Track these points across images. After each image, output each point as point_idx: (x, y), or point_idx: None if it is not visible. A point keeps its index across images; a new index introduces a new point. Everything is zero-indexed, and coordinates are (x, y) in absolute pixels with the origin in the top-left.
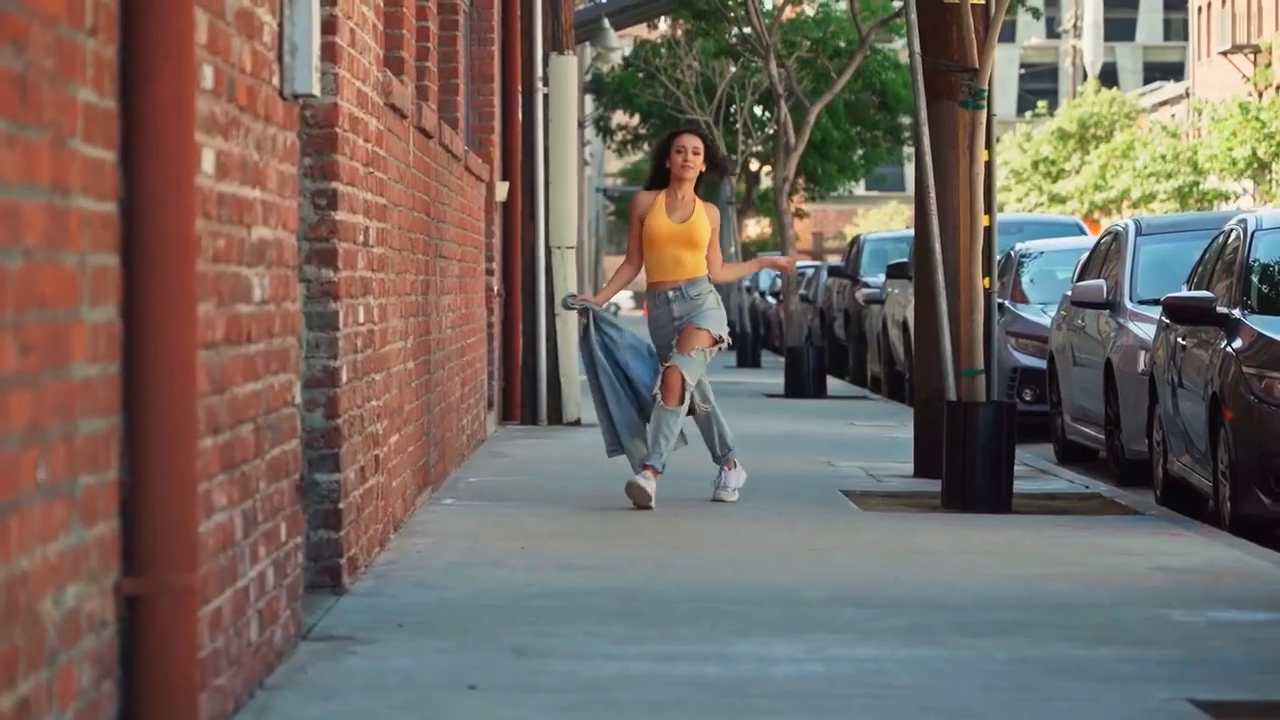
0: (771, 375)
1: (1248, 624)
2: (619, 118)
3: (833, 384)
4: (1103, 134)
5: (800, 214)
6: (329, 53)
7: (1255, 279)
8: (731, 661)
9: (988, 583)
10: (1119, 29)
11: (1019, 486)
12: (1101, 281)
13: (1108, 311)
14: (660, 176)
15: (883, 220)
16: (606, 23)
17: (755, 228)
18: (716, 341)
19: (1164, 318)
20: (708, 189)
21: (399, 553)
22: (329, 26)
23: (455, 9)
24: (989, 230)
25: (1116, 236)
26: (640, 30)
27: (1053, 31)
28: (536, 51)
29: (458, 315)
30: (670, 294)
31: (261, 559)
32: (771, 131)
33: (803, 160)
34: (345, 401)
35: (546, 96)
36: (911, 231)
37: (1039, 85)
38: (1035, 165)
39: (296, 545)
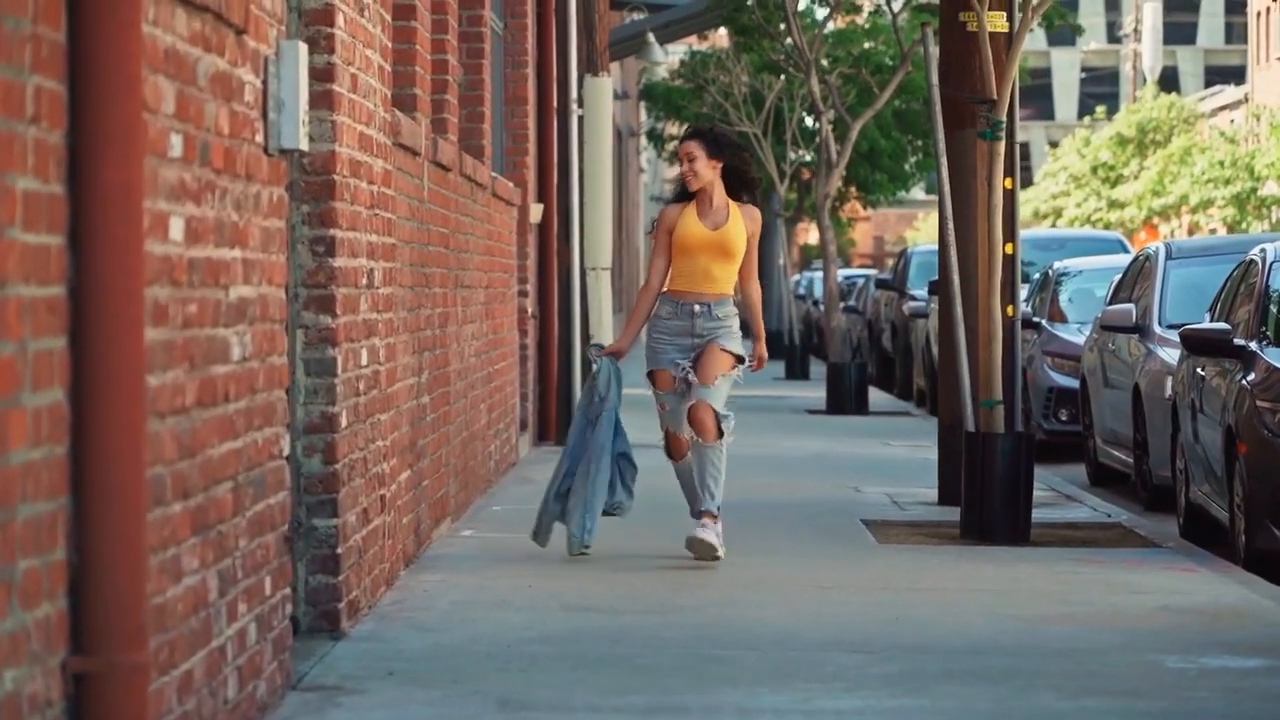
0: (818, 389)
1: (1238, 671)
2: (671, 128)
3: (877, 398)
4: (1161, 139)
5: (850, 222)
6: (326, 100)
7: (1274, 309)
8: (715, 713)
9: (988, 623)
10: (1180, 33)
11: (1041, 515)
12: (1130, 306)
13: (1136, 335)
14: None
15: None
16: (652, 37)
17: (813, 233)
18: (738, 363)
19: (1182, 349)
20: (759, 199)
21: (406, 591)
22: (326, 74)
23: (481, 37)
24: (1012, 258)
25: (1147, 259)
26: (693, 40)
27: (1113, 36)
28: (571, 73)
29: (484, 342)
30: (696, 308)
31: (242, 616)
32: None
33: (853, 169)
34: (345, 446)
35: (581, 118)
36: None
37: (1100, 89)
38: (1094, 170)
39: (285, 597)
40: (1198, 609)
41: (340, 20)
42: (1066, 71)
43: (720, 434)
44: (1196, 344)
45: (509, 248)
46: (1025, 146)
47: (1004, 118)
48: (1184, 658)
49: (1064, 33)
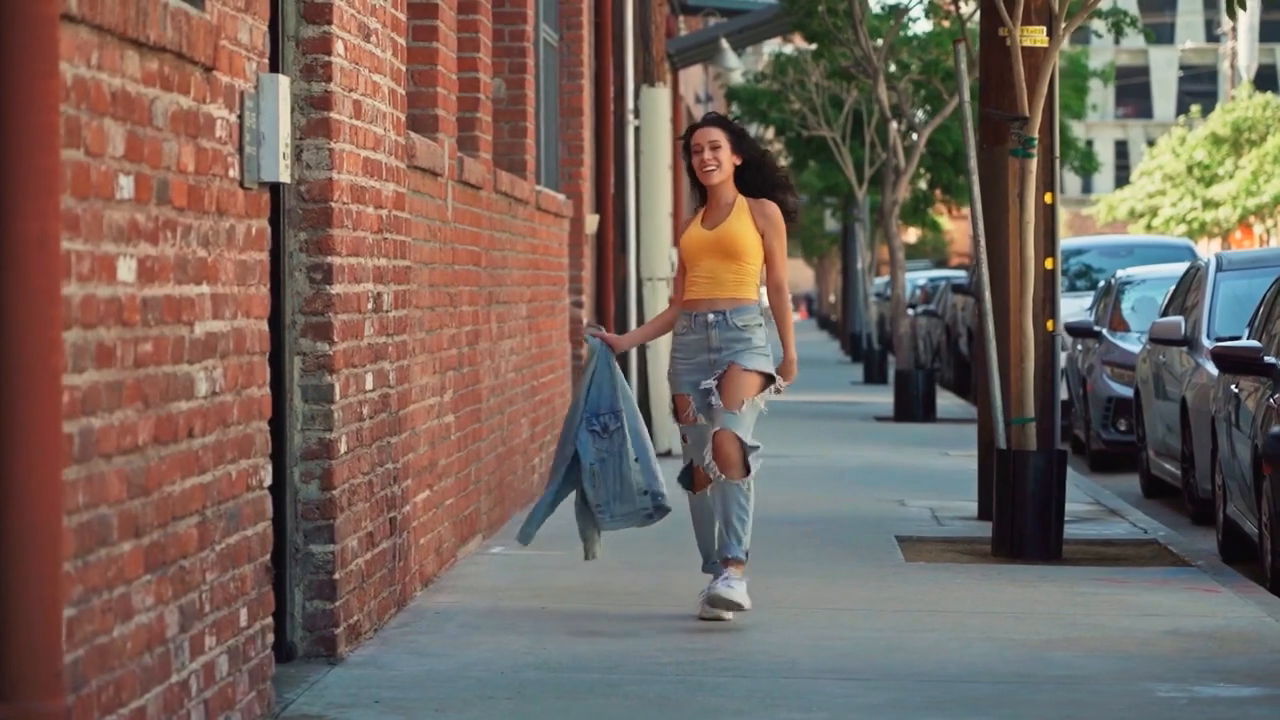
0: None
1: (1229, 701)
2: (753, 130)
3: (949, 405)
4: (1257, 138)
5: (934, 224)
6: (323, 128)
7: None
8: None
9: (991, 649)
10: (1278, 31)
11: (1079, 530)
12: (1179, 319)
13: (1186, 348)
14: (700, 190)
15: None
16: (724, 43)
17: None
18: (768, 383)
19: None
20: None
21: (416, 614)
22: (324, 102)
23: (524, 52)
24: (1052, 273)
25: (1198, 271)
26: (779, 41)
27: (1211, 34)
28: (628, 84)
29: (526, 356)
30: (710, 317)
31: (210, 649)
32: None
33: (937, 172)
34: (344, 472)
35: (638, 129)
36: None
37: (1199, 88)
38: (1189, 170)
39: (265, 627)
40: (1208, 633)
41: (339, 47)
42: (1164, 70)
43: (747, 469)
44: (1228, 362)
45: (558, 260)
46: (1123, 145)
47: (1036, 135)
48: (1177, 686)
49: (1161, 31)
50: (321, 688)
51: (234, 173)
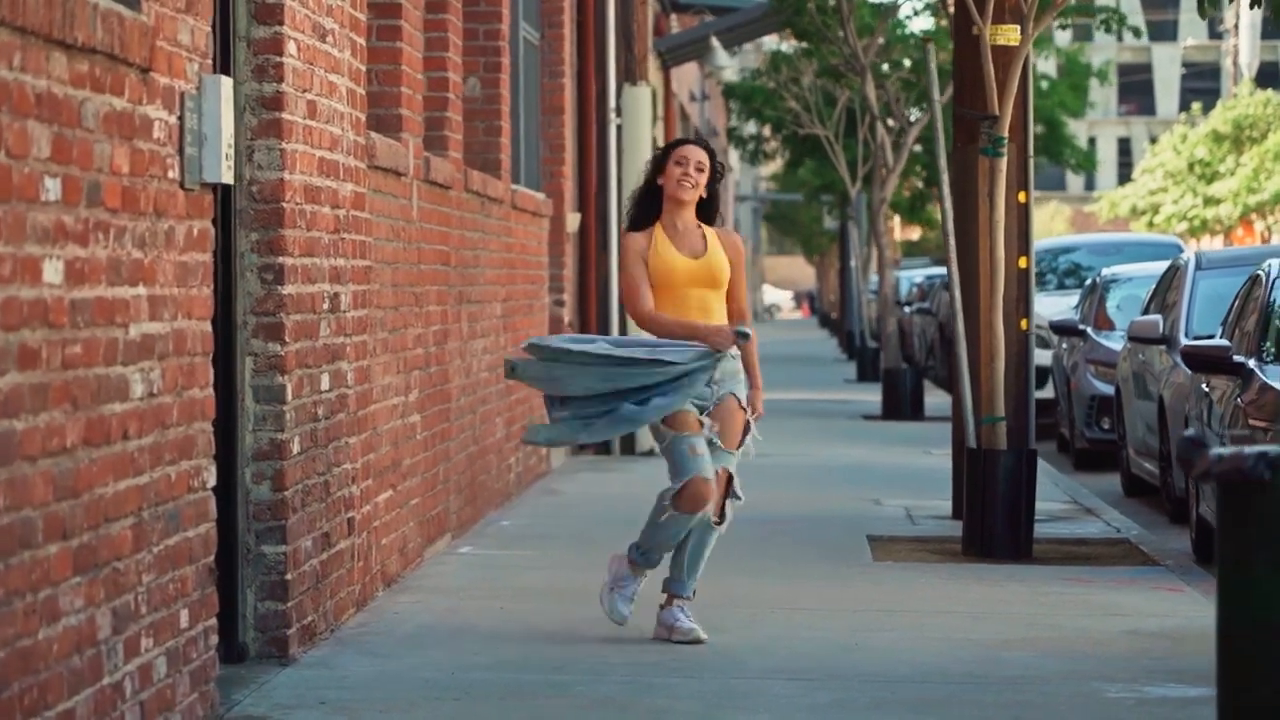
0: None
1: (1176, 701)
2: (750, 128)
3: (939, 402)
4: (1258, 135)
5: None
6: (275, 129)
7: (1277, 325)
8: None
9: (944, 649)
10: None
11: (1052, 529)
12: (1158, 317)
13: (1164, 347)
14: (648, 205)
15: (1043, 221)
16: (715, 41)
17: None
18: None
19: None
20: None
21: (376, 614)
22: (274, 103)
23: (499, 51)
24: (1025, 271)
25: (1178, 270)
26: (774, 38)
27: (1214, 32)
28: (609, 83)
29: (500, 355)
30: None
31: (147, 650)
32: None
33: (934, 170)
34: (297, 473)
35: (620, 127)
36: (1047, 243)
37: (1202, 85)
38: (1190, 167)
39: (208, 628)
40: (1166, 633)
41: (291, 48)
42: (1167, 67)
43: (723, 519)
44: (1198, 361)
45: (537, 259)
46: (1126, 142)
47: (1005, 133)
48: (1127, 686)
49: (1164, 28)
50: (270, 688)
51: (173, 174)
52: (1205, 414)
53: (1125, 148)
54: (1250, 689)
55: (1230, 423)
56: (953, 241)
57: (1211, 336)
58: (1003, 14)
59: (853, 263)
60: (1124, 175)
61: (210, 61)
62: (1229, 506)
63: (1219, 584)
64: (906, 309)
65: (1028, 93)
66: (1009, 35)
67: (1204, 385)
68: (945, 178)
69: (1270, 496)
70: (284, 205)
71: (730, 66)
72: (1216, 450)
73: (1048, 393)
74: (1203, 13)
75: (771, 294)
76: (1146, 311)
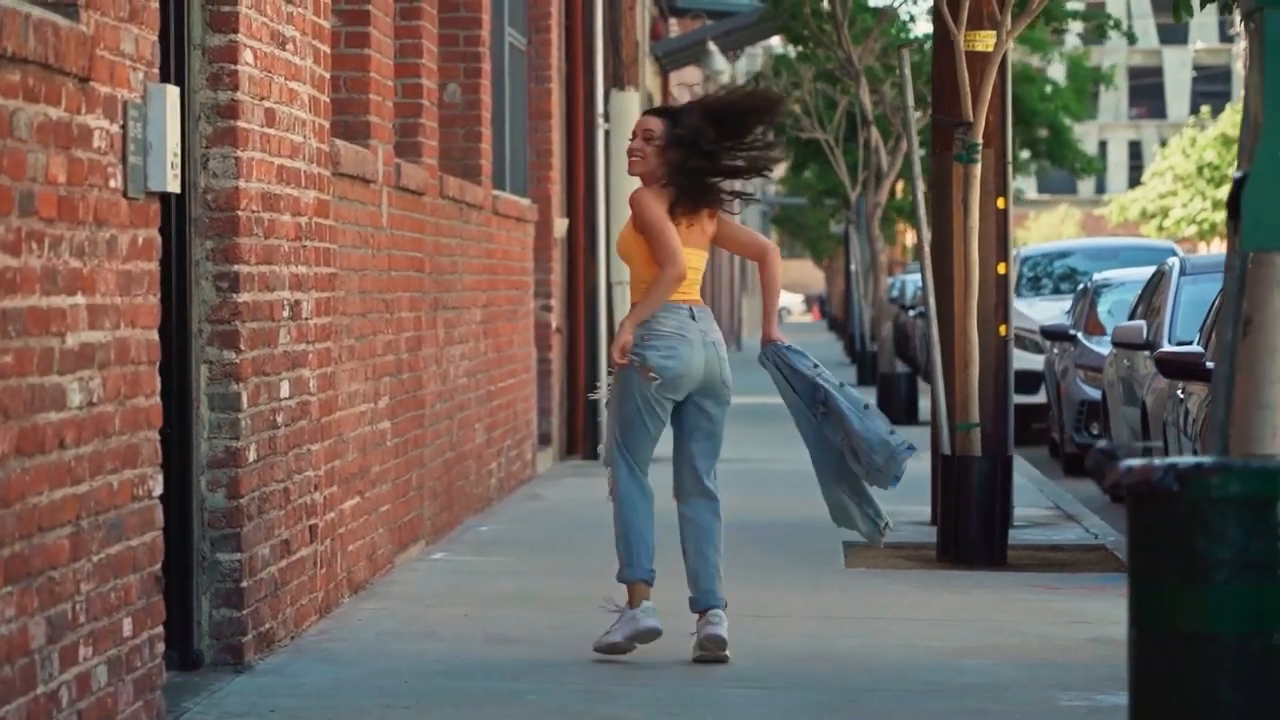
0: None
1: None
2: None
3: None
4: None
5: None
6: (229, 137)
7: None
8: None
9: (905, 657)
10: None
11: (1030, 536)
12: (1142, 323)
13: (1147, 353)
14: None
15: (1054, 225)
16: (712, 45)
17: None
18: None
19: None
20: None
21: (340, 620)
22: (228, 111)
23: (479, 57)
24: (1004, 278)
25: (1164, 275)
26: (777, 43)
27: (1225, 35)
28: (597, 88)
29: (481, 361)
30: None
31: (86, 659)
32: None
33: None
34: (253, 480)
35: (607, 133)
36: (1043, 248)
37: (1213, 88)
38: (1199, 171)
39: (154, 636)
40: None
41: (247, 56)
42: (1177, 70)
43: None
44: (1172, 367)
45: (521, 264)
46: (1137, 145)
47: (979, 140)
48: (1082, 695)
49: (1174, 31)
50: (221, 696)
51: (115, 183)
52: (1181, 420)
53: (1136, 151)
54: (1161, 700)
55: (1203, 430)
56: (927, 248)
57: (1188, 343)
58: (980, 20)
59: (854, 266)
60: (1134, 179)
61: (157, 70)
62: (1139, 518)
63: (1130, 595)
64: (910, 312)
65: (1006, 98)
66: (985, 41)
67: (1180, 391)
68: (919, 184)
69: (1178, 508)
70: (239, 213)
71: (726, 71)
72: (1126, 462)
73: (1040, 398)
74: (1177, 16)
75: (783, 297)
76: (1133, 317)
